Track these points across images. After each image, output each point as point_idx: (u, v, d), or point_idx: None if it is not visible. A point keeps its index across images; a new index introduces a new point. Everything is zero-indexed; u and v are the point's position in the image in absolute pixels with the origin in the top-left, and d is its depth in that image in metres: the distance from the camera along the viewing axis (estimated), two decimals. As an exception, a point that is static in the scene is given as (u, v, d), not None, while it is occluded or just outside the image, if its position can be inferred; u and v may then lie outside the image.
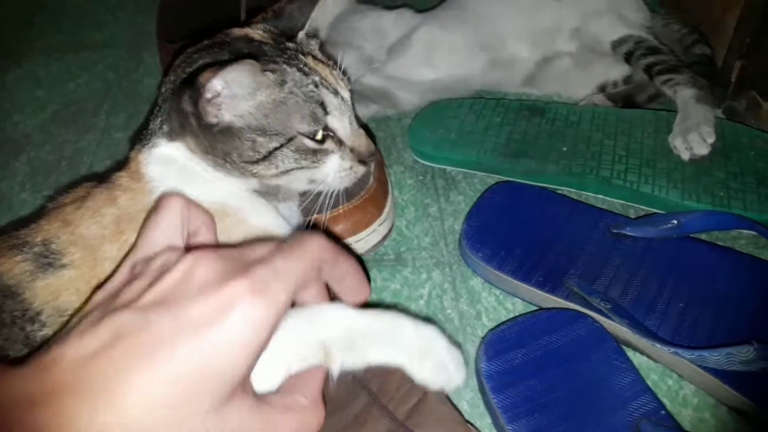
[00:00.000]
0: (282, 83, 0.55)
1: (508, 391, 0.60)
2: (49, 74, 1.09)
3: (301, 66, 0.57)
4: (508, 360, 0.62)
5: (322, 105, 0.56)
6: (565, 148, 0.82)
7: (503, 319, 0.70)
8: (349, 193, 0.70)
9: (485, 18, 0.94)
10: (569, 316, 0.65)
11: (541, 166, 0.81)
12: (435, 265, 0.76)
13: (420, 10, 1.01)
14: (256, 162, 0.56)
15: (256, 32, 0.61)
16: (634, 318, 0.64)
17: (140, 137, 0.60)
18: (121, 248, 0.53)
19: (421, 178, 0.86)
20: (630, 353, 0.63)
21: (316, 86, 0.56)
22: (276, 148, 0.56)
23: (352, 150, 0.60)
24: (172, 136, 0.58)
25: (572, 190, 0.81)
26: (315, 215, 0.67)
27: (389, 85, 0.92)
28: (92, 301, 0.36)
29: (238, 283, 0.32)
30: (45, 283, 0.52)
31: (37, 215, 0.58)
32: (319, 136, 0.57)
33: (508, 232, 0.73)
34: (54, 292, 0.52)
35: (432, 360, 0.47)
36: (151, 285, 0.33)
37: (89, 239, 0.54)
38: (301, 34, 0.62)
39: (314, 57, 0.59)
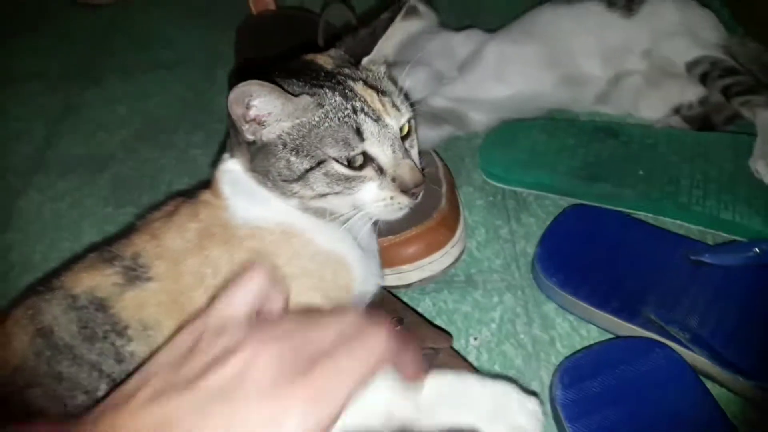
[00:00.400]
0: (319, 106, 0.56)
1: (583, 421, 0.60)
2: (127, 93, 1.14)
3: (346, 91, 0.57)
4: (584, 388, 0.62)
5: (358, 131, 0.56)
6: (641, 172, 0.81)
7: (578, 345, 0.69)
8: (421, 215, 0.72)
9: (556, 34, 0.94)
10: (647, 345, 0.64)
11: (618, 190, 0.80)
12: (507, 288, 0.76)
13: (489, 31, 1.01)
14: (293, 181, 0.57)
15: (323, 57, 0.63)
16: (714, 348, 0.63)
17: (220, 155, 0.63)
18: (203, 263, 0.56)
19: (491, 198, 0.87)
20: (709, 384, 0.62)
21: (355, 112, 0.56)
22: (308, 170, 0.56)
23: (393, 179, 0.58)
24: (232, 152, 0.61)
25: (649, 215, 0.79)
26: (390, 237, 0.69)
27: (459, 106, 0.92)
28: (155, 361, 0.38)
29: (296, 392, 0.33)
30: (132, 295, 0.55)
31: (128, 231, 0.61)
32: (357, 163, 0.57)
33: (583, 256, 0.73)
34: (140, 305, 0.54)
35: (506, 420, 0.49)
36: (211, 366, 0.34)
37: (174, 252, 0.57)
38: (365, 60, 0.63)
39: (365, 82, 0.59)
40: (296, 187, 0.57)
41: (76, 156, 1.03)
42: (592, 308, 0.69)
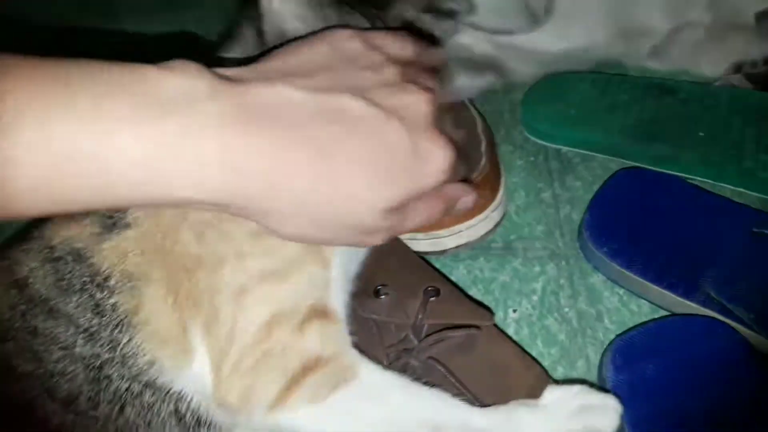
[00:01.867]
0: None
1: (637, 404, 0.55)
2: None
3: None
4: (638, 370, 0.57)
5: None
6: (701, 134, 0.74)
7: (627, 321, 0.65)
8: (459, 175, 0.66)
9: None
10: (708, 325, 0.59)
11: (676, 152, 0.74)
12: (549, 257, 0.71)
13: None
14: None
15: None
16: (783, 331, 0.58)
17: None
18: None
19: (532, 159, 0.81)
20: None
21: None
22: None
23: None
24: None
25: (708, 181, 0.73)
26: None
27: (500, 54, 0.85)
28: None
29: None
30: (111, 245, 0.51)
31: None
32: None
33: (636, 225, 0.68)
34: (120, 255, 0.51)
35: None
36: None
37: None
38: None
39: None
40: None
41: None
42: (646, 282, 0.64)
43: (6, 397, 0.48)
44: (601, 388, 0.57)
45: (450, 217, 0.64)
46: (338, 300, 0.53)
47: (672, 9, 0.84)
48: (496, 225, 0.71)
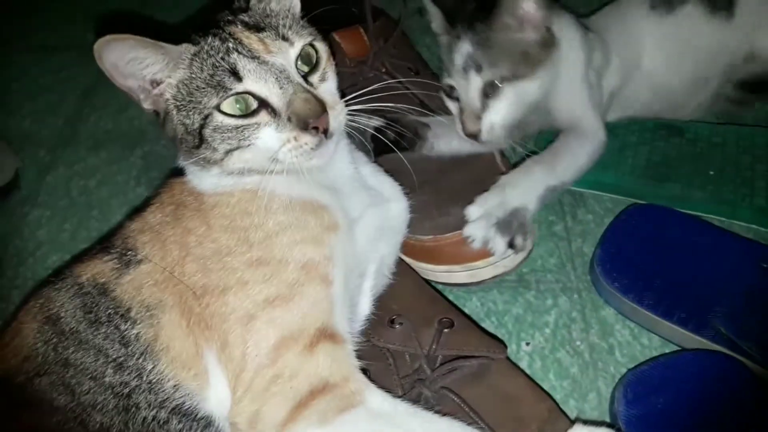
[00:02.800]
0: (195, 55, 0.54)
1: (649, 439, 0.56)
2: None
3: (222, 35, 0.55)
4: (650, 404, 0.58)
5: (234, 71, 0.53)
6: (712, 172, 0.76)
7: (638, 355, 0.66)
8: None
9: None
10: (718, 360, 0.60)
11: (688, 192, 0.76)
12: (562, 290, 0.72)
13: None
14: (198, 147, 0.55)
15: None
16: (792, 366, 0.59)
17: None
18: (184, 233, 0.56)
19: (544, 193, 0.82)
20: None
21: (228, 53, 0.53)
22: (201, 128, 0.54)
23: (290, 118, 0.54)
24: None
25: (721, 218, 0.75)
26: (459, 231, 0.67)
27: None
28: None
29: None
30: (129, 279, 0.55)
31: None
32: (250, 109, 0.53)
33: (647, 261, 0.69)
34: (137, 287, 0.55)
35: None
36: None
37: (156, 228, 0.58)
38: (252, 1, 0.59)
39: (244, 23, 0.56)
40: (204, 152, 0.55)
41: (107, 131, 1.01)
42: (657, 317, 0.65)
43: (44, 430, 0.50)
44: (613, 422, 0.58)
45: (487, 249, 0.67)
46: (343, 319, 0.54)
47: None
48: (528, 254, 0.72)
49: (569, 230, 0.78)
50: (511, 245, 0.66)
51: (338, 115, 0.56)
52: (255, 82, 0.53)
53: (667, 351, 0.65)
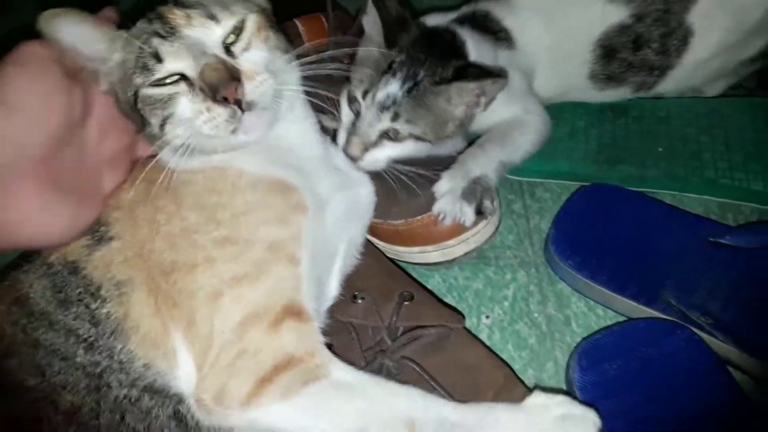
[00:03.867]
0: (129, 38, 0.56)
1: (602, 404, 0.58)
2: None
3: (152, 16, 0.57)
4: (603, 371, 0.61)
5: (156, 54, 0.55)
6: (660, 149, 0.79)
7: (594, 326, 0.69)
8: None
9: None
10: (668, 327, 0.63)
11: (641, 172, 0.79)
12: (520, 265, 0.75)
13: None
14: (143, 125, 0.58)
15: None
16: (736, 333, 0.62)
17: None
18: (154, 211, 0.56)
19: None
20: (730, 370, 0.61)
21: (152, 35, 0.55)
22: (134, 104, 0.56)
23: (201, 89, 0.54)
24: None
25: (674, 192, 0.78)
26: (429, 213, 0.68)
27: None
28: None
29: None
30: (100, 255, 0.56)
31: None
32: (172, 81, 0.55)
33: (599, 239, 0.71)
34: (107, 264, 0.55)
35: None
36: None
37: (127, 205, 0.58)
38: None
39: (179, 2, 0.58)
40: (148, 128, 0.57)
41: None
42: (610, 293, 0.68)
43: (14, 412, 0.50)
44: (570, 389, 0.61)
45: (457, 226, 0.68)
46: (311, 298, 0.55)
47: None
48: (496, 229, 0.74)
49: (527, 208, 0.81)
50: (479, 212, 0.68)
51: (259, 86, 0.55)
52: (173, 61, 0.55)
53: (621, 320, 0.68)
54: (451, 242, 0.70)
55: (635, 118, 0.84)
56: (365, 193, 0.68)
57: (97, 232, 0.57)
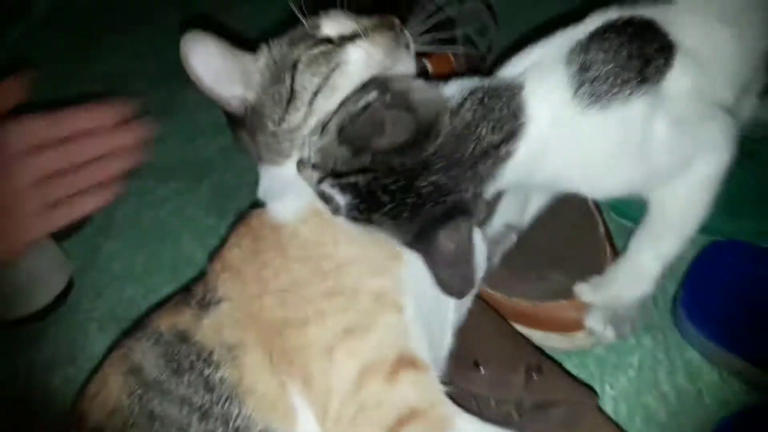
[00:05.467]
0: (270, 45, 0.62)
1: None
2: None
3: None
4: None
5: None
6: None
7: (730, 399, 0.65)
8: (589, 269, 0.68)
9: None
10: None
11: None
12: (644, 329, 0.72)
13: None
14: (282, 118, 0.59)
15: None
16: None
17: None
18: (261, 268, 0.57)
19: (621, 221, 0.82)
20: None
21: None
22: (292, 85, 0.59)
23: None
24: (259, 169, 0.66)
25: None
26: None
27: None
28: None
29: None
30: (209, 321, 0.57)
31: None
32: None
33: (734, 302, 0.68)
34: (218, 328, 0.56)
35: None
36: None
37: (233, 265, 0.59)
38: None
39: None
40: (288, 119, 0.59)
41: (175, 161, 1.04)
42: (748, 365, 0.64)
43: None
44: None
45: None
46: (422, 346, 0.55)
47: None
48: None
49: (649, 266, 0.77)
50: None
51: None
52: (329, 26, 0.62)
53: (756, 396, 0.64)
54: (580, 334, 0.68)
55: (760, 162, 0.77)
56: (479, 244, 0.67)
57: (204, 299, 0.58)
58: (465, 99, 0.54)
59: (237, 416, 0.53)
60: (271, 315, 0.55)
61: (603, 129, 0.53)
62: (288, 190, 0.61)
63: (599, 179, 0.57)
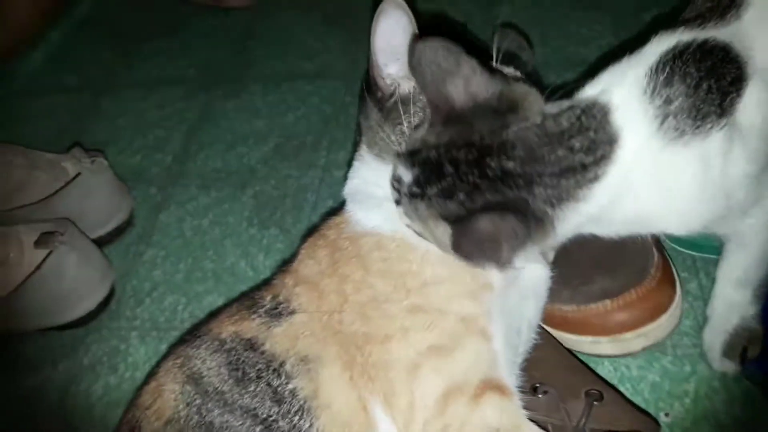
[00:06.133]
0: None
1: None
2: (267, 104, 1.14)
3: None
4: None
5: None
6: None
7: (791, 431, 0.63)
8: (634, 272, 0.67)
9: None
10: None
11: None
12: (700, 356, 0.70)
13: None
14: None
15: None
16: None
17: None
18: (341, 281, 0.56)
19: (674, 245, 0.81)
20: None
21: None
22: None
23: None
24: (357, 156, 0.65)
25: None
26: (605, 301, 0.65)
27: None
28: None
29: None
30: (281, 330, 0.55)
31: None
32: None
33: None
34: (292, 338, 0.55)
35: None
36: None
37: (310, 278, 0.58)
38: None
39: None
40: None
41: (216, 169, 1.04)
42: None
43: None
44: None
45: (636, 318, 0.65)
46: (508, 373, 0.54)
47: None
48: (679, 321, 0.70)
49: (703, 288, 0.76)
50: (743, 356, 0.64)
51: None
52: None
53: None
54: (628, 335, 0.66)
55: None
56: (542, 272, 0.65)
57: (274, 309, 0.57)
58: (564, 110, 0.51)
59: (308, 430, 0.52)
60: (351, 329, 0.54)
61: (685, 164, 0.51)
62: (378, 198, 0.60)
63: (679, 215, 0.55)
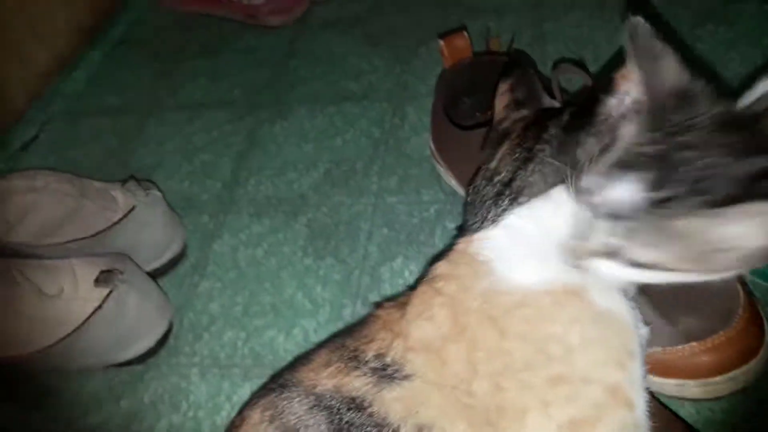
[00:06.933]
0: None
1: None
2: (314, 127, 1.12)
3: None
4: None
5: None
6: None
7: None
8: (721, 313, 0.64)
9: None
10: None
11: None
12: (787, 398, 0.68)
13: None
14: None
15: None
16: None
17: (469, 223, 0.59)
18: (470, 347, 0.51)
19: (751, 277, 0.78)
20: None
21: None
22: None
23: None
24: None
25: None
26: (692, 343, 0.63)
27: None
28: None
29: None
30: (394, 395, 0.51)
31: (361, 322, 0.61)
32: None
33: None
34: (406, 404, 0.50)
35: None
36: None
37: (427, 342, 0.53)
38: None
39: None
40: None
41: (267, 196, 1.03)
42: None
43: None
44: None
45: (725, 361, 0.63)
46: None
47: None
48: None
49: (785, 325, 0.73)
50: None
51: None
52: None
53: None
54: (717, 379, 0.64)
55: None
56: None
57: (383, 369, 0.53)
58: None
59: None
60: (482, 402, 0.50)
61: None
62: (539, 246, 0.53)
63: None
